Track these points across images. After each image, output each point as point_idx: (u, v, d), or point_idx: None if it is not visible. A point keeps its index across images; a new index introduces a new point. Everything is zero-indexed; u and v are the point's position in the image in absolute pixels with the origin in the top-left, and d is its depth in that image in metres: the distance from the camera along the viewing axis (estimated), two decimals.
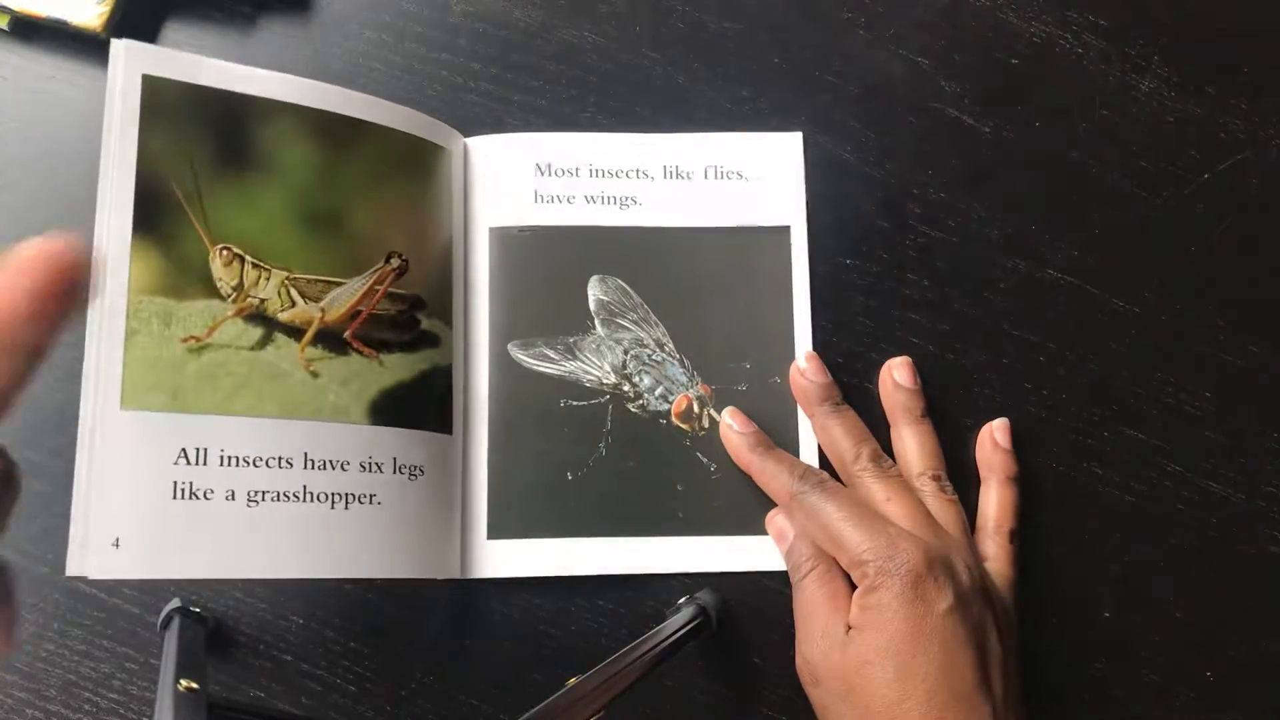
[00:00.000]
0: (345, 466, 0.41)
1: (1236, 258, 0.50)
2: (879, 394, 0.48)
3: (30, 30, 0.50)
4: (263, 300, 0.42)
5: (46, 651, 0.43)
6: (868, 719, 0.39)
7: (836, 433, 0.46)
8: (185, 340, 0.40)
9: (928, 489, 0.45)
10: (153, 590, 0.44)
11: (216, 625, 0.44)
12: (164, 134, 0.41)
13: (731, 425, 0.46)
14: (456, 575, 0.45)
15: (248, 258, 0.41)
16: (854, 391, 0.48)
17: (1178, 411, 0.49)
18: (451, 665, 0.45)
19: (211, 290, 0.41)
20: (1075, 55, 0.52)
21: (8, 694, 0.43)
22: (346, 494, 0.41)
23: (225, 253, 0.41)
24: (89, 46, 0.50)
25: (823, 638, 0.41)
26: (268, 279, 0.42)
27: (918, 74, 0.51)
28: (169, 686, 0.37)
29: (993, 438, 0.47)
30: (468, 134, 0.49)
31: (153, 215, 0.40)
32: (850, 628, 0.41)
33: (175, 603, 0.43)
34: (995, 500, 0.46)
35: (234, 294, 0.41)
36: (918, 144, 0.51)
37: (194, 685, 0.37)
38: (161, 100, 0.41)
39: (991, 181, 0.50)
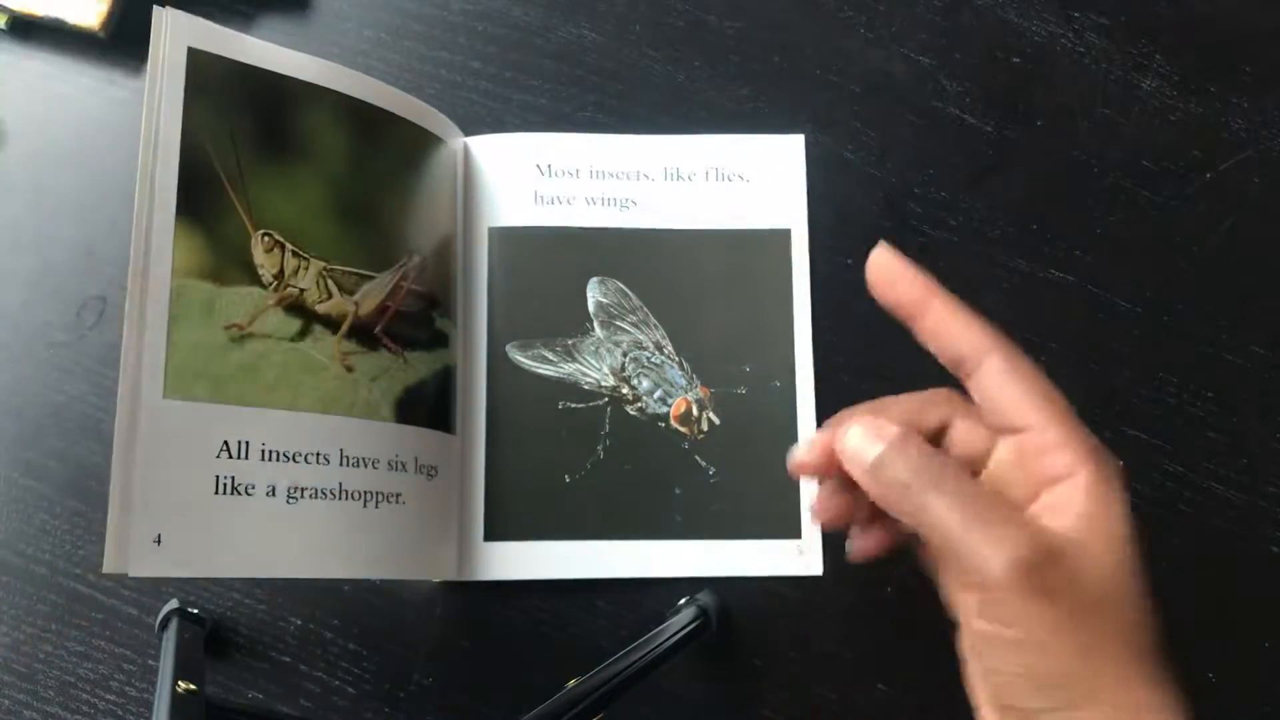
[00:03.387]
0: (375, 464, 0.41)
1: (1237, 258, 0.50)
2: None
3: (30, 30, 0.49)
4: (302, 290, 0.41)
5: (44, 653, 0.43)
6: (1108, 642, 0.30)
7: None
8: (228, 328, 0.39)
9: None
10: (151, 591, 0.44)
11: (215, 626, 0.44)
12: (208, 111, 0.39)
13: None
14: (453, 577, 0.45)
15: (288, 245, 0.40)
16: (855, 391, 0.47)
17: (1178, 411, 0.49)
18: (451, 667, 0.45)
19: (252, 277, 0.39)
20: (1077, 54, 0.52)
21: (5, 695, 0.43)
22: (377, 493, 0.40)
23: (266, 239, 0.40)
24: (88, 46, 0.49)
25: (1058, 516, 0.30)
26: (306, 268, 0.41)
27: (918, 74, 0.51)
28: (167, 688, 0.36)
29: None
30: (467, 133, 0.49)
31: (196, 195, 0.38)
32: (1078, 515, 0.30)
33: (173, 604, 0.43)
34: None
35: (275, 282, 0.40)
36: (918, 144, 0.51)
37: (192, 687, 0.37)
38: (206, 76, 0.39)
39: (992, 181, 0.50)
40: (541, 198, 0.49)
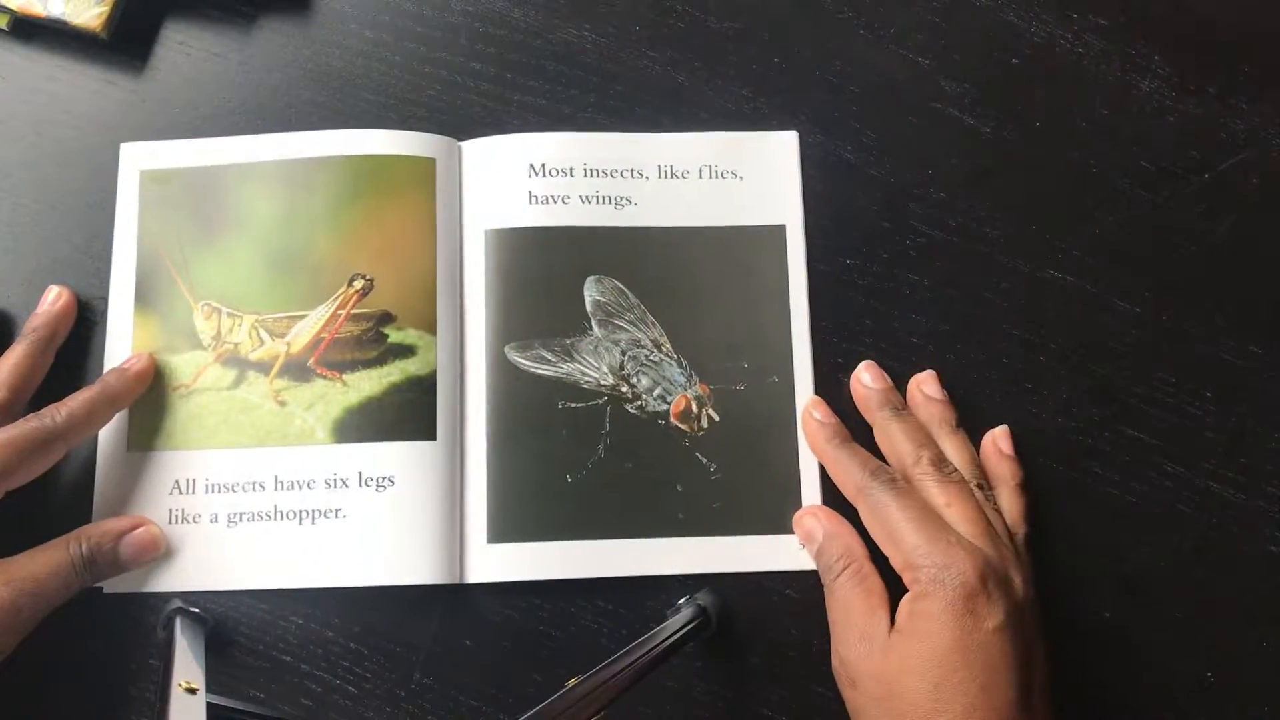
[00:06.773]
0: (311, 485, 0.45)
1: (1236, 258, 0.50)
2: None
3: (30, 30, 0.50)
4: (236, 344, 0.47)
5: (48, 652, 0.43)
6: None
7: (897, 437, 0.45)
8: (176, 388, 0.46)
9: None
10: (151, 592, 0.44)
11: (216, 626, 0.44)
12: (157, 218, 0.48)
13: (813, 414, 0.46)
14: (452, 580, 0.45)
15: (223, 309, 0.47)
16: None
17: (1178, 411, 0.49)
18: (451, 666, 0.45)
19: (195, 342, 0.47)
20: (1075, 55, 0.52)
21: (10, 694, 0.43)
22: (313, 510, 0.45)
23: (205, 308, 0.47)
24: (89, 47, 0.50)
25: (861, 640, 0.41)
26: (240, 324, 0.47)
27: (918, 74, 0.51)
28: (169, 687, 0.37)
29: (996, 446, 0.46)
30: (468, 134, 0.49)
31: (150, 287, 0.47)
32: (894, 631, 0.40)
33: (175, 603, 0.43)
34: (1007, 507, 0.45)
35: (213, 343, 0.47)
36: (918, 144, 0.51)
37: (194, 686, 0.37)
38: (155, 190, 0.48)
39: (991, 181, 0.50)
40: (536, 198, 0.49)
